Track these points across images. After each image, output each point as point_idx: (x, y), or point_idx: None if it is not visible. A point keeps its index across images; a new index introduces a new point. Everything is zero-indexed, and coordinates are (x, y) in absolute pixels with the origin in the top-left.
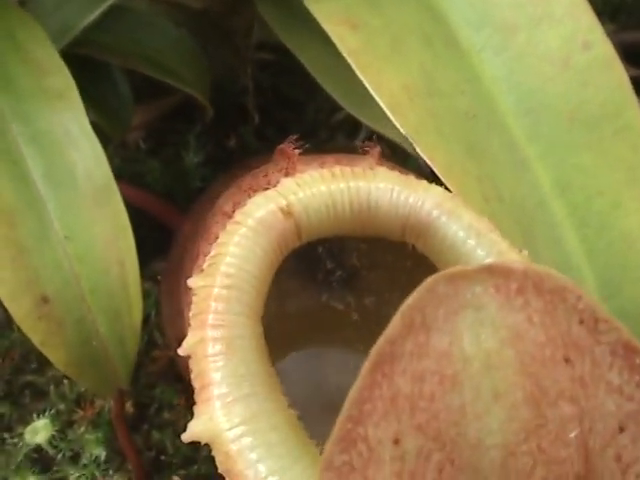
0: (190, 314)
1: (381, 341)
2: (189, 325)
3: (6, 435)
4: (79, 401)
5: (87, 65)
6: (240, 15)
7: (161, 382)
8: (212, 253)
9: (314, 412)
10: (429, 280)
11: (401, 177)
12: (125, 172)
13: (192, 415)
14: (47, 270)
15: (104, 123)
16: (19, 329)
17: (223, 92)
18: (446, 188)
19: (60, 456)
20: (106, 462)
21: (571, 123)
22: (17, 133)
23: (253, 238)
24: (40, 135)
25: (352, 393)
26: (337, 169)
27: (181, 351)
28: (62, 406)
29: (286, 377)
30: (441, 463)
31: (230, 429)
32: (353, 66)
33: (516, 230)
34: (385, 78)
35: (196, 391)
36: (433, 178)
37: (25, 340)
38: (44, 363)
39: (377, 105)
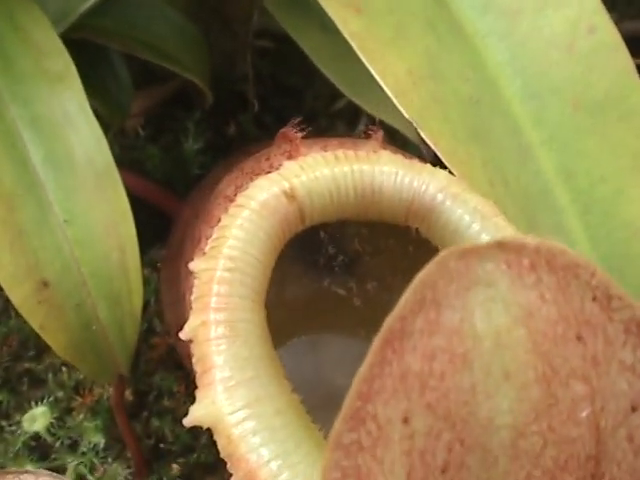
0: (192, 297)
1: (392, 317)
2: (191, 308)
3: (4, 423)
4: (78, 388)
5: (86, 51)
6: (240, 1)
7: (160, 369)
8: (214, 236)
9: (316, 398)
10: (440, 256)
11: (405, 161)
12: (124, 159)
13: (193, 401)
14: (47, 254)
15: (103, 110)
16: (17, 315)
17: (222, 79)
18: (450, 173)
19: (58, 444)
20: (105, 450)
21: (576, 108)
22: (16, 116)
23: (256, 221)
24: (39, 118)
25: (362, 370)
26: (340, 152)
27: (183, 335)
28: (60, 393)
29: (287, 363)
30: (451, 443)
31: (232, 413)
32: (356, 50)
33: (520, 215)
34: (389, 62)
35: (198, 375)
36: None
37: (23, 327)
38: (42, 350)
39: (378, 91)
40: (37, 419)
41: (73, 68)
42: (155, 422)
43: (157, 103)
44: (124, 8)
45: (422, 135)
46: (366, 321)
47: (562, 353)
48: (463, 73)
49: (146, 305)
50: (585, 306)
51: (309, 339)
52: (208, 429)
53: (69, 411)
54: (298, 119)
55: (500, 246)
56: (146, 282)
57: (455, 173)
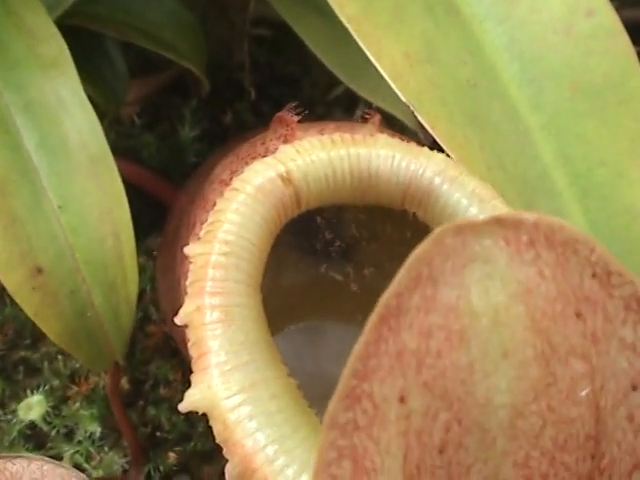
0: (187, 282)
1: (387, 294)
2: (186, 294)
3: None
4: (73, 377)
5: (81, 38)
6: None
7: (157, 358)
8: (210, 220)
9: (313, 384)
10: (437, 232)
11: (402, 144)
12: (120, 147)
13: (189, 387)
14: (41, 240)
15: (98, 97)
16: (13, 304)
17: (219, 67)
18: (448, 157)
19: (54, 432)
20: (101, 438)
21: (574, 92)
22: (9, 101)
23: (252, 205)
24: (33, 103)
25: (357, 347)
26: (337, 136)
27: (178, 320)
28: (56, 382)
29: (284, 350)
30: (448, 423)
31: (228, 398)
32: (353, 33)
33: (518, 199)
34: (386, 46)
35: (193, 360)
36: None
37: (19, 315)
38: (38, 338)
39: (375, 78)
40: (33, 408)
41: (67, 53)
42: (151, 410)
43: (153, 91)
44: None
45: (419, 118)
46: (363, 307)
47: (561, 331)
48: (460, 57)
49: (142, 293)
50: (584, 282)
51: (306, 325)
52: (205, 417)
53: (65, 400)
54: (294, 103)
55: (498, 222)
56: (142, 270)
57: (453, 157)
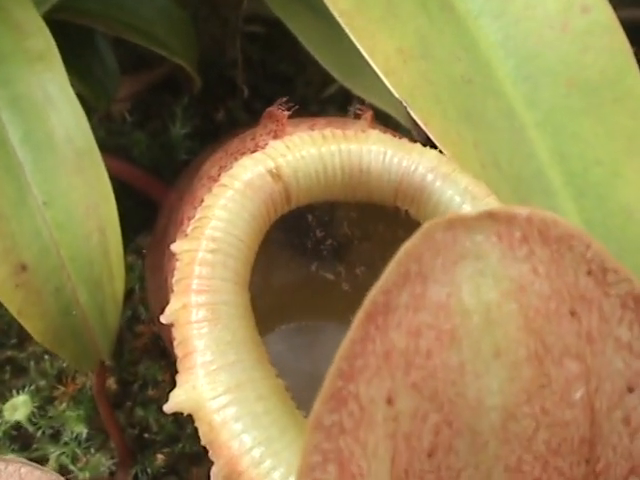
0: (173, 280)
1: (375, 291)
2: (172, 291)
3: None
4: (60, 377)
5: (71, 34)
6: None
7: (145, 358)
8: (197, 216)
9: (303, 385)
10: (426, 227)
11: (394, 140)
12: (110, 145)
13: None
14: (25, 237)
15: (88, 94)
16: None
17: (211, 65)
18: (441, 154)
19: (40, 433)
20: (88, 440)
21: (570, 89)
22: None
23: (240, 201)
24: (19, 98)
25: (343, 346)
26: (328, 131)
27: (163, 318)
28: (42, 382)
29: (274, 350)
30: (438, 425)
31: (214, 398)
32: (345, 28)
33: (513, 198)
34: (379, 41)
35: (179, 359)
36: None
37: (5, 314)
38: (24, 338)
39: (369, 76)
40: (18, 408)
41: (54, 47)
42: (139, 412)
43: (144, 88)
44: None
45: (412, 115)
46: (355, 307)
47: (555, 330)
48: (455, 53)
49: (131, 293)
50: (579, 280)
51: (297, 325)
52: (192, 418)
53: (51, 400)
54: (285, 99)
55: (490, 216)
56: (131, 269)
57: (446, 154)
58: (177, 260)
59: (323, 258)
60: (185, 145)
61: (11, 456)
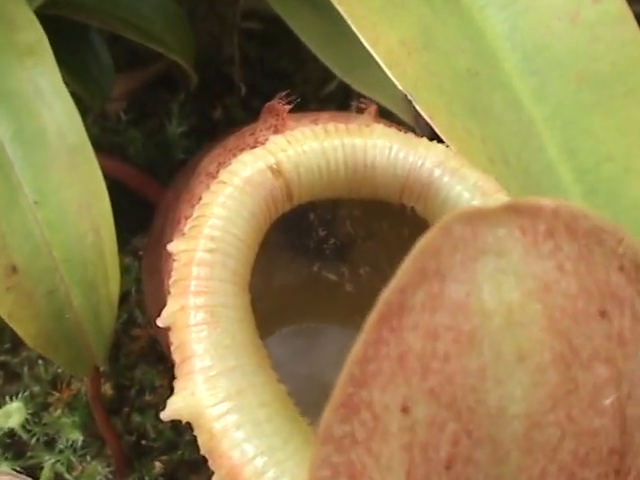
0: (170, 281)
1: (389, 290)
2: (169, 293)
3: None
4: (55, 383)
5: (66, 30)
6: None
7: (142, 363)
8: (195, 215)
9: (305, 390)
10: (444, 220)
11: (400, 134)
12: (105, 144)
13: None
14: (15, 237)
15: (83, 92)
16: None
17: (208, 62)
18: (448, 148)
19: (34, 441)
20: (83, 447)
21: (579, 83)
22: None
23: (240, 198)
24: (9, 93)
25: (355, 351)
26: (331, 125)
27: (160, 321)
28: (37, 388)
29: (274, 354)
30: (456, 435)
31: (214, 405)
32: (346, 18)
33: (521, 195)
34: (381, 32)
35: (176, 364)
36: None
37: None
38: (18, 343)
39: (369, 71)
40: (12, 415)
41: (45, 41)
42: (136, 418)
43: (140, 86)
44: None
45: (417, 108)
46: (359, 308)
47: (583, 331)
48: (460, 44)
49: (127, 295)
50: (610, 277)
51: (298, 328)
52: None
53: (46, 406)
54: (285, 92)
55: (513, 209)
56: (127, 271)
57: (453, 149)
58: (174, 261)
59: (325, 258)
60: (182, 144)
61: (2, 466)
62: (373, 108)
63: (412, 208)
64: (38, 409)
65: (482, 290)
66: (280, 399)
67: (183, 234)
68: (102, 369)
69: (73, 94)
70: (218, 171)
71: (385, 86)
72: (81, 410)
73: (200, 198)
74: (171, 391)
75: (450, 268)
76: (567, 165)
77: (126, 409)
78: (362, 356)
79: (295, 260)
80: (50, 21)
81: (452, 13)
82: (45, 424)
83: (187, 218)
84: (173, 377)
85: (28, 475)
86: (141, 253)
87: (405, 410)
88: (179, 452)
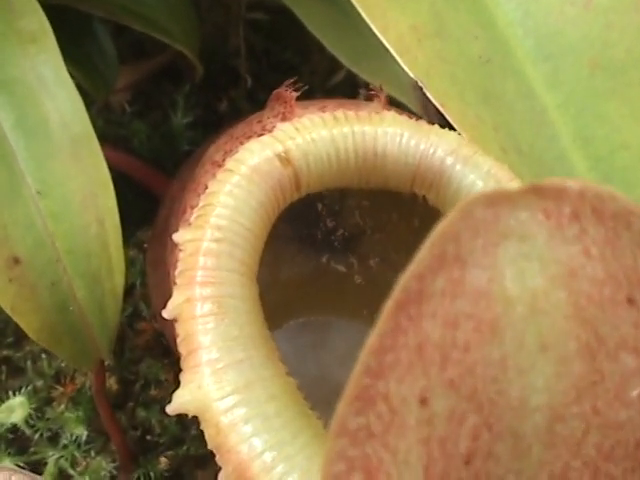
0: (176, 272)
1: (407, 276)
2: (175, 284)
3: None
4: (58, 377)
5: (68, 21)
6: None
7: (147, 356)
8: (201, 204)
9: (314, 384)
10: (464, 203)
11: (411, 122)
12: (109, 136)
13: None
14: (18, 228)
15: (86, 83)
16: None
17: (214, 53)
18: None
19: (38, 436)
20: (87, 443)
21: (593, 69)
22: None
23: (247, 187)
24: (11, 81)
25: (370, 340)
26: (340, 113)
27: (166, 313)
28: (40, 382)
29: (283, 348)
30: (477, 428)
31: (221, 399)
32: (356, 5)
33: None
34: (391, 19)
35: (183, 357)
36: None
37: (1, 312)
38: (21, 337)
39: (377, 60)
40: (15, 410)
41: (49, 28)
42: (141, 413)
43: (145, 78)
44: None
45: (428, 95)
46: (368, 301)
47: (610, 320)
48: (471, 31)
49: (132, 288)
50: (638, 263)
51: (307, 321)
52: (197, 419)
53: (49, 401)
54: (293, 79)
55: (536, 191)
56: (132, 264)
57: (465, 137)
58: (180, 251)
59: (334, 249)
60: (187, 135)
61: (5, 461)
62: (383, 95)
63: (423, 197)
64: (41, 404)
65: (504, 276)
66: (289, 392)
67: (189, 224)
68: (107, 363)
69: (77, 86)
70: (224, 160)
71: (393, 75)
72: (85, 405)
73: (206, 187)
74: (177, 385)
75: (471, 253)
76: (581, 153)
77: (131, 404)
78: (378, 346)
79: (302, 252)
80: (54, 11)
81: None
82: (49, 419)
83: (193, 207)
84: (179, 371)
85: (32, 471)
86: (146, 246)
87: (423, 402)
88: (185, 447)
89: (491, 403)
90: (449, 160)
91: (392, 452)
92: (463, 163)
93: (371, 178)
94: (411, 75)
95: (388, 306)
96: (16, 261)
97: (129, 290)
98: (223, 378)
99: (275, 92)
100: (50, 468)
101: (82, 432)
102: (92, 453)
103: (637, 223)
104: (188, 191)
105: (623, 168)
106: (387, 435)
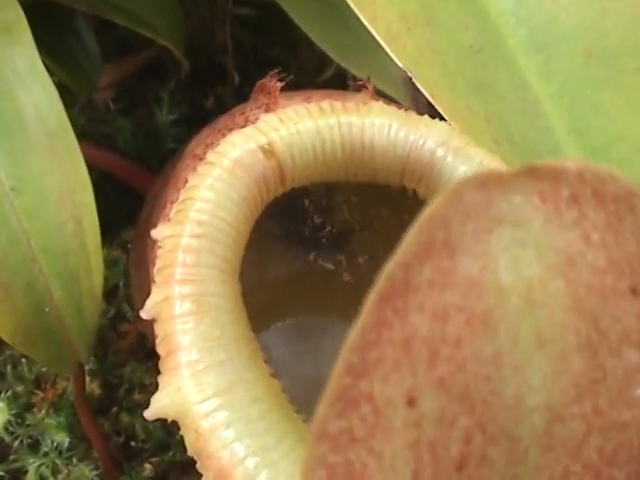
0: (155, 269)
1: (392, 266)
2: (153, 282)
3: None
4: (39, 382)
5: (50, 16)
6: None
7: (131, 360)
8: (181, 198)
9: (300, 386)
10: (454, 186)
11: (399, 112)
12: (93, 134)
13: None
14: None
15: (69, 80)
16: None
17: (200, 49)
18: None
19: (18, 443)
20: (69, 449)
21: (588, 58)
22: None
23: (229, 181)
24: None
25: (352, 336)
26: (326, 103)
27: (144, 313)
28: (20, 388)
29: (269, 348)
30: (469, 431)
31: (201, 402)
32: None
33: None
34: (380, 7)
35: (161, 359)
36: None
37: None
38: (0, 341)
39: (366, 54)
40: None
41: (24, 20)
42: (125, 418)
43: (129, 75)
44: None
45: (418, 86)
46: (357, 299)
47: (612, 311)
48: (462, 20)
49: (115, 289)
50: None
51: (293, 321)
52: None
53: (29, 407)
54: (278, 69)
55: (531, 173)
56: (115, 264)
57: (456, 128)
58: (159, 248)
59: (322, 247)
60: (172, 132)
61: None
62: (371, 86)
63: (413, 191)
64: (21, 410)
65: (497, 265)
66: (273, 395)
67: (168, 219)
68: (87, 367)
69: (59, 83)
70: (206, 153)
71: (383, 69)
72: (66, 410)
73: (186, 181)
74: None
75: (461, 240)
76: (576, 145)
77: (114, 409)
78: (361, 342)
79: (289, 250)
80: (34, 5)
81: None
82: (29, 425)
83: (173, 202)
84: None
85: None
86: (130, 246)
87: (411, 403)
88: (170, 453)
89: (484, 403)
90: (440, 152)
91: (377, 457)
92: (454, 155)
93: (359, 171)
94: (400, 65)
95: (371, 298)
96: None
97: (112, 291)
98: (203, 380)
99: (259, 83)
100: (31, 476)
101: (64, 439)
102: (74, 460)
103: None
104: (169, 187)
105: (620, 160)
106: (371, 439)
